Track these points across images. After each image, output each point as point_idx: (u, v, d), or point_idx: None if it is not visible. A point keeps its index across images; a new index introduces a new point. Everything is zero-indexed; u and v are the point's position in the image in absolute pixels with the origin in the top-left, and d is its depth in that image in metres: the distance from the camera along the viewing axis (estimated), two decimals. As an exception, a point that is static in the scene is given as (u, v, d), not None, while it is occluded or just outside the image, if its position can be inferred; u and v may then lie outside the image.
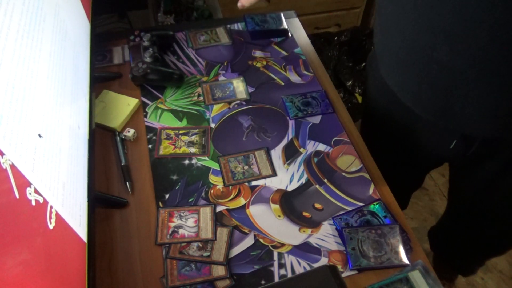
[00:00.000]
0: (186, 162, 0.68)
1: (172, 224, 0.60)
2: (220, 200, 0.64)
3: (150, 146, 0.70)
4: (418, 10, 0.53)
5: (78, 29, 0.67)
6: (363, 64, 1.54)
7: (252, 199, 0.64)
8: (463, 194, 0.87)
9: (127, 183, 0.65)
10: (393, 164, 0.84)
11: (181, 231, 0.60)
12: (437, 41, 0.53)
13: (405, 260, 0.57)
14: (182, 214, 0.61)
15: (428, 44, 0.54)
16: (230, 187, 0.65)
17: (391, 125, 0.77)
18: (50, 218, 0.40)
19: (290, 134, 0.73)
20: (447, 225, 1.06)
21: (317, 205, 0.64)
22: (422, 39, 0.55)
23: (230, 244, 0.59)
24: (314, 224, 0.62)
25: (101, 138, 0.71)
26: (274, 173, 0.67)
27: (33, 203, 0.37)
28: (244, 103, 0.78)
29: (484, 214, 0.83)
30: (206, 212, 0.62)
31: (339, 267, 0.57)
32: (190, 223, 0.60)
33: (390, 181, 0.68)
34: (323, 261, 0.58)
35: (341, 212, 0.63)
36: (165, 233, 0.59)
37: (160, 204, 0.63)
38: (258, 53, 0.87)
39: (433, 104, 0.61)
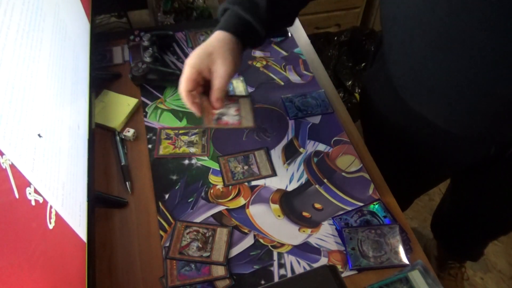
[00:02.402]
0: (186, 162, 0.68)
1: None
2: (220, 200, 0.64)
3: (150, 146, 0.70)
4: (485, 47, 0.48)
5: (78, 29, 0.67)
6: (363, 64, 1.54)
7: (252, 199, 0.64)
8: (468, 190, 0.87)
9: (127, 183, 0.65)
10: (410, 174, 0.83)
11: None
12: (503, 77, 0.50)
13: (404, 260, 0.57)
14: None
15: (490, 80, 0.51)
16: (230, 187, 0.65)
17: (408, 139, 0.73)
18: (50, 218, 0.40)
19: (290, 134, 0.73)
20: (448, 210, 1.05)
21: (317, 205, 0.64)
22: (483, 75, 0.51)
23: (230, 244, 0.59)
24: (314, 224, 0.62)
25: (101, 138, 0.71)
26: (274, 173, 0.67)
27: (33, 203, 0.37)
28: (244, 103, 0.78)
29: (486, 197, 0.82)
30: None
31: (339, 267, 0.57)
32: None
33: (399, 187, 0.68)
34: (323, 261, 0.58)
35: (341, 212, 0.63)
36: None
37: (160, 204, 0.63)
38: (258, 53, 0.87)
39: (472, 126, 0.60)
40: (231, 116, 0.62)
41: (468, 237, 1.06)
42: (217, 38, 0.59)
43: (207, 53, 0.58)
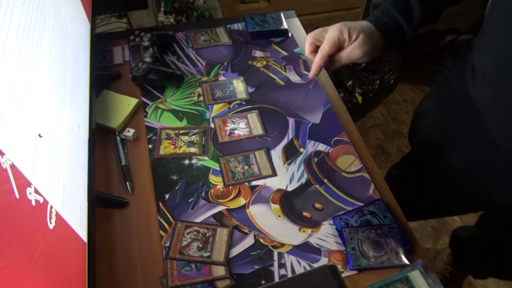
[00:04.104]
0: (186, 162, 0.68)
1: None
2: (220, 200, 0.64)
3: (150, 146, 0.70)
4: None
5: (78, 29, 0.67)
6: (363, 64, 1.54)
7: (252, 199, 0.64)
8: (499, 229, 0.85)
9: (127, 183, 0.65)
10: (439, 201, 0.81)
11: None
12: None
13: (405, 260, 0.57)
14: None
15: None
16: (230, 187, 0.65)
17: (461, 161, 0.70)
18: (50, 218, 0.40)
19: (290, 134, 0.73)
20: (476, 240, 1.04)
21: (317, 205, 0.64)
22: None
23: (230, 244, 0.59)
24: (314, 224, 0.62)
25: (101, 138, 0.71)
26: (274, 173, 0.67)
27: (33, 203, 0.37)
28: (244, 103, 0.78)
29: None
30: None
31: (339, 267, 0.57)
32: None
33: (419, 208, 0.66)
34: (323, 261, 0.58)
35: (341, 212, 0.63)
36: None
37: (160, 204, 0.63)
38: (258, 53, 0.87)
39: None
40: (241, 129, 0.70)
41: (484, 262, 1.04)
42: (371, 26, 0.62)
43: (361, 29, 0.61)
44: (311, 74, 0.65)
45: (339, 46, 0.63)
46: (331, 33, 0.62)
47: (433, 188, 0.80)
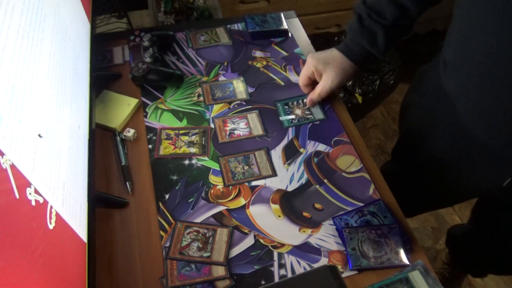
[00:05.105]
0: (186, 162, 0.68)
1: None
2: (220, 200, 0.64)
3: (150, 146, 0.70)
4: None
5: (78, 29, 0.67)
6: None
7: (252, 199, 0.64)
8: (492, 221, 0.86)
9: (127, 183, 0.65)
10: (427, 190, 0.82)
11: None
12: None
13: (405, 260, 0.57)
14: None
15: None
16: (230, 187, 0.65)
17: (440, 150, 0.71)
18: (50, 218, 0.40)
19: (290, 134, 0.73)
20: (470, 236, 1.04)
21: (317, 205, 0.64)
22: None
23: (230, 244, 0.59)
24: (314, 224, 0.62)
25: (101, 138, 0.71)
26: (274, 173, 0.67)
27: (33, 203, 0.37)
28: (244, 103, 0.78)
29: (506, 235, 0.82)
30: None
31: (339, 267, 0.57)
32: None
33: (413, 201, 0.67)
34: (323, 261, 0.58)
35: (341, 212, 0.63)
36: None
37: (160, 204, 0.63)
38: (258, 53, 0.87)
39: (509, 129, 0.56)
40: (241, 129, 0.70)
41: (482, 260, 1.04)
42: (339, 56, 0.72)
43: (326, 61, 0.71)
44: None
45: (312, 78, 0.74)
46: (305, 68, 0.74)
47: (421, 178, 0.81)
